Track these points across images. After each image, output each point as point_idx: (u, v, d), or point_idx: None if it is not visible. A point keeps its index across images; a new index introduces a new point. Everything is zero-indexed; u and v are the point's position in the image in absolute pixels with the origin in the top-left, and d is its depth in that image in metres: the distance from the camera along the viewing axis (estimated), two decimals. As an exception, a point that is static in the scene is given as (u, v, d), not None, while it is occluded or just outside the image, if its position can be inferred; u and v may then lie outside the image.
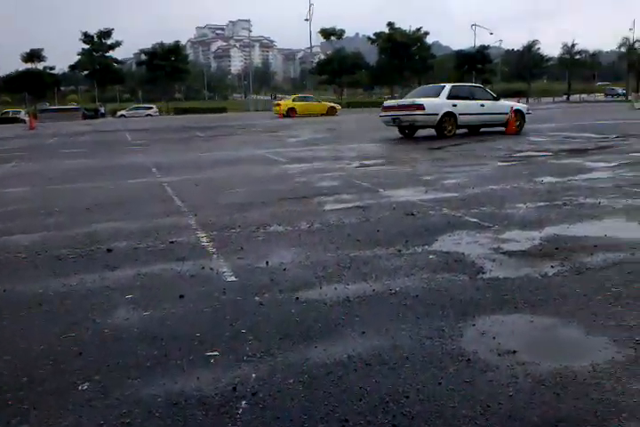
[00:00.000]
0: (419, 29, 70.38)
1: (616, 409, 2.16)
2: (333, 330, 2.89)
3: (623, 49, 75.39)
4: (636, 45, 72.35)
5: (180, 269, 4.02)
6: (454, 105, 14.74)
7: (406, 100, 15.65)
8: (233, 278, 3.76)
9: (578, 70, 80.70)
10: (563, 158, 9.84)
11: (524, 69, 75.75)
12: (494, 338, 2.78)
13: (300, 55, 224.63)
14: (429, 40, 77.76)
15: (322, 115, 36.63)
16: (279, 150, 13.22)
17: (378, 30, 72.55)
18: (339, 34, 71.97)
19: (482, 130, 16.04)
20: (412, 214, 5.55)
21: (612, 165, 8.78)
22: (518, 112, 16.08)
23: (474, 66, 70.30)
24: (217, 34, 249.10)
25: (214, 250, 4.49)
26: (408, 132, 15.94)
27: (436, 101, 14.68)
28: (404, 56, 68.37)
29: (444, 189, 6.99)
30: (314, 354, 2.62)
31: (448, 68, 77.55)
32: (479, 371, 2.46)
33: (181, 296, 3.44)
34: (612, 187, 6.79)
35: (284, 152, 12.76)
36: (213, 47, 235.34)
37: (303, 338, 2.80)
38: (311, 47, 69.43)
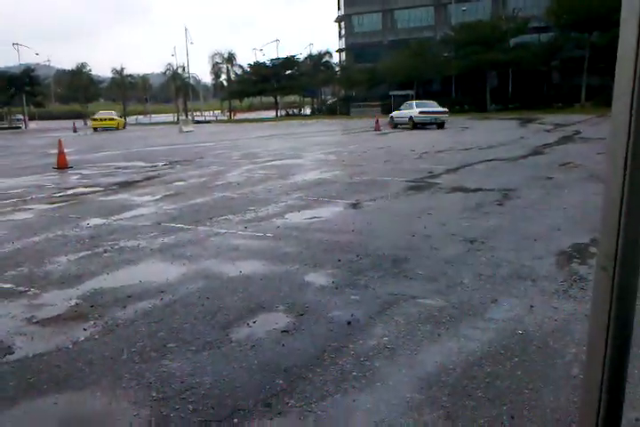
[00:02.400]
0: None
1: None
2: None
3: (169, 73, 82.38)
4: (179, 71, 80.00)
5: None
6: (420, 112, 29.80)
7: (403, 112, 31.40)
8: None
9: (131, 92, 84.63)
10: (112, 194, 10.12)
11: (77, 91, 75.01)
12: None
13: None
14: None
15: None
16: None
17: None
18: None
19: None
20: None
21: (157, 198, 9.48)
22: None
23: (22, 87, 65.75)
24: None
25: None
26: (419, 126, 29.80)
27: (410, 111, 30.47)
28: None
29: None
30: None
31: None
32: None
33: None
34: (154, 224, 7.31)
35: None
36: None
37: None
38: None
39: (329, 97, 77.39)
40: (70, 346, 3.66)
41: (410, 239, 6.16)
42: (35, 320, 4.12)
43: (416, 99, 56.40)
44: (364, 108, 57.47)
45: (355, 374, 3.20)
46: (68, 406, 2.96)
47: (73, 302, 4.46)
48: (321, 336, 3.73)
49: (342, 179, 11.26)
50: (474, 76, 53.84)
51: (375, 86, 60.28)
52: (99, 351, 3.57)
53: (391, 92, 57.36)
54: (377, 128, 28.24)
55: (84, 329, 3.92)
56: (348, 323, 3.92)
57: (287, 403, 2.92)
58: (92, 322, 4.04)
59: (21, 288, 4.84)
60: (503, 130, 26.66)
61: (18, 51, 67.14)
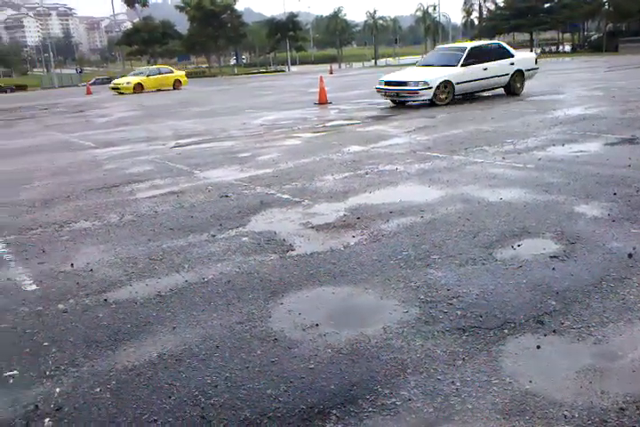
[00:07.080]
0: (226, -3, 69.23)
1: (402, 366, 2.45)
2: (143, 329, 2.88)
3: (420, 13, 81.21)
4: (430, 10, 78.28)
5: (-28, 282, 3.68)
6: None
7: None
8: (33, 287, 3.54)
9: (381, 35, 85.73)
10: (367, 126, 10.50)
11: (333, 35, 78.43)
12: (300, 314, 2.98)
13: (105, 24, 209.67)
14: (240, 7, 77.32)
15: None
16: (87, 133, 12.39)
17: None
18: (143, 1, 68.37)
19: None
20: (227, 196, 5.61)
21: (410, 130, 9.56)
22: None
23: (286, 33, 71.12)
24: (4, 1, 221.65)
25: (11, 257, 4.16)
26: None
27: None
28: (216, 24, 66.94)
29: (258, 166, 7.12)
30: (122, 358, 2.61)
31: (262, 35, 77.73)
32: (284, 349, 2.63)
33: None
34: (409, 152, 7.42)
35: (91, 135, 11.99)
36: (1, 17, 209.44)
37: (111, 342, 2.76)
38: (114, 15, 65.00)
39: (592, 32, 68.67)
40: (342, 248, 3.95)
41: None
42: (310, 226, 4.52)
43: None
44: (636, 44, 49.75)
45: (640, 305, 2.89)
46: (344, 296, 3.21)
47: (341, 214, 4.79)
48: (597, 265, 3.43)
49: (612, 114, 10.00)
50: None
51: (654, 17, 51.62)
52: (367, 255, 3.78)
53: (676, 23, 48.63)
54: (656, 63, 24.35)
55: (353, 236, 4.18)
56: (629, 255, 3.53)
57: (562, 323, 2.76)
58: (360, 231, 4.29)
59: (297, 199, 5.34)
60: None
61: (283, -1, 72.16)
